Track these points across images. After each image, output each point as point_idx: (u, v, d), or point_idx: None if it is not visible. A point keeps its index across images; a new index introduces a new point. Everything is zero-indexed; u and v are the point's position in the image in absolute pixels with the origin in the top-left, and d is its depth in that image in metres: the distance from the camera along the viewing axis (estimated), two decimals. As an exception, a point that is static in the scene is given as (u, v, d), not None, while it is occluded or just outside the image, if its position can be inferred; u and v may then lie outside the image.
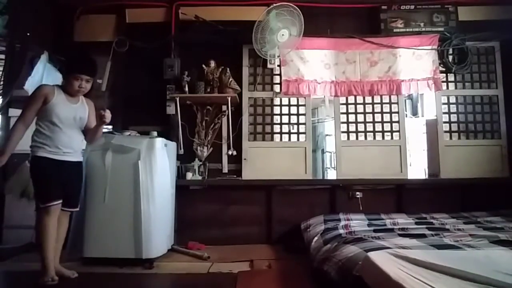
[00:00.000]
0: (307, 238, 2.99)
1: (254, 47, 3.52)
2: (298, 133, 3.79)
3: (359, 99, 3.80)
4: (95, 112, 2.58)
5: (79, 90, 2.44)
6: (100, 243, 2.78)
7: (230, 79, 3.60)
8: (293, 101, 3.83)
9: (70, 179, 2.47)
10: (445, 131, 3.75)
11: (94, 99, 2.73)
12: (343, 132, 3.78)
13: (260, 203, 3.67)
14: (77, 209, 2.59)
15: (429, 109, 4.38)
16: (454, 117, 3.77)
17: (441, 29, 3.72)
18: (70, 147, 2.45)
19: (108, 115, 2.44)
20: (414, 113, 4.84)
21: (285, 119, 3.81)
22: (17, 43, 3.28)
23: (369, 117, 3.79)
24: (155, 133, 3.13)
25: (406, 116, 4.05)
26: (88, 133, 2.59)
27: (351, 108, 3.81)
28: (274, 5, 3.42)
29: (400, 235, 2.45)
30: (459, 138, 3.76)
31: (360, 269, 1.81)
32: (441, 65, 3.74)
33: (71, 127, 2.46)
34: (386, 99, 3.79)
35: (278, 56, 3.65)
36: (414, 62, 3.69)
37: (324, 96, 4.23)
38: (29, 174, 2.43)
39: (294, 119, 3.81)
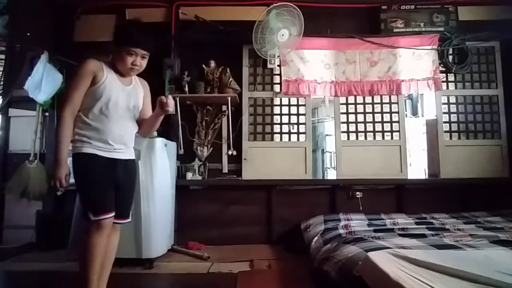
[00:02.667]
0: (307, 238, 2.99)
1: (254, 47, 3.53)
2: (298, 133, 3.79)
3: (359, 99, 3.80)
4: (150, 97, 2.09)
5: (132, 68, 1.88)
6: (100, 243, 2.77)
7: (230, 79, 3.59)
8: (293, 101, 3.83)
9: (123, 181, 1.92)
10: (445, 131, 3.75)
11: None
12: (343, 132, 3.78)
13: (260, 203, 3.67)
14: (129, 220, 2.00)
15: (429, 109, 4.38)
16: (454, 117, 3.77)
17: (441, 29, 3.72)
18: (123, 142, 1.91)
19: (171, 101, 1.91)
20: (414, 113, 4.84)
21: (285, 119, 3.81)
22: (17, 43, 3.28)
23: (369, 117, 3.79)
24: (155, 133, 3.12)
25: (406, 116, 4.05)
26: (142, 124, 2.04)
27: (351, 108, 3.81)
28: (274, 5, 3.43)
29: (400, 235, 2.45)
30: (459, 138, 3.76)
31: (360, 269, 1.81)
32: (441, 65, 3.73)
33: (124, 116, 1.91)
34: (386, 99, 3.79)
35: (278, 56, 3.65)
36: (414, 62, 3.69)
37: (324, 96, 4.23)
38: (70, 176, 1.81)
39: (294, 119, 3.81)
